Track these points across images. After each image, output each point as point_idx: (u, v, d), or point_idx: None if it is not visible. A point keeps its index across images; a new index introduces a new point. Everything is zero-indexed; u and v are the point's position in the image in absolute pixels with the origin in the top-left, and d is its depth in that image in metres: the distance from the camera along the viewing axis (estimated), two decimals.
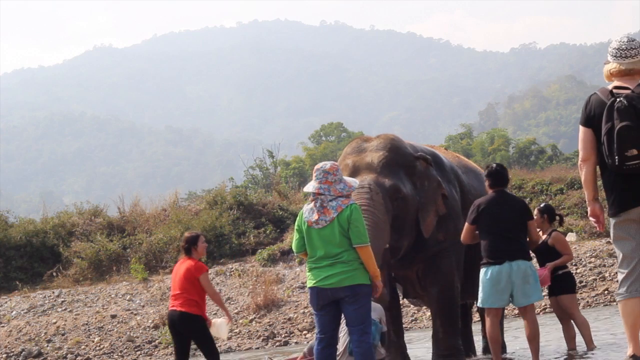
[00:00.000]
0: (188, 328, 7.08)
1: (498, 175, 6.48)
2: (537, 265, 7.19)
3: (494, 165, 6.59)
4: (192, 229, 17.31)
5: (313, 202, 5.40)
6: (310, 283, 5.40)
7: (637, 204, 4.73)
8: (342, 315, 5.45)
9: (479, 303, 6.44)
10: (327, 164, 5.46)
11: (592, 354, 6.98)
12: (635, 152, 4.65)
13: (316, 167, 5.50)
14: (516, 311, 13.11)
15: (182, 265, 7.22)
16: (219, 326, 7.21)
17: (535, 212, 7.31)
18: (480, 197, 7.73)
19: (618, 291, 4.85)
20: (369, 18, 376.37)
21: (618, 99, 4.71)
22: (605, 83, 5.02)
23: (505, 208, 6.33)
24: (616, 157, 4.68)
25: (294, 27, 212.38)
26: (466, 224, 6.54)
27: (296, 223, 5.49)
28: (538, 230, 7.03)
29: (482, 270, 6.35)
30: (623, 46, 4.85)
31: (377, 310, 5.95)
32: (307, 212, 5.41)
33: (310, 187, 5.44)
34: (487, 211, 6.36)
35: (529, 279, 6.26)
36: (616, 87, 4.81)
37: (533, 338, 6.31)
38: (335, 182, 5.39)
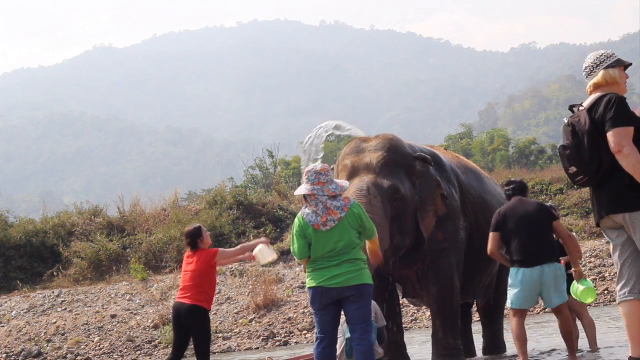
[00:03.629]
0: (195, 321, 6.88)
1: (521, 186, 6.69)
2: None
3: (516, 179, 6.84)
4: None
5: (312, 206, 5.36)
6: (313, 283, 5.37)
7: (604, 214, 4.83)
8: (342, 316, 5.48)
9: (509, 304, 6.47)
10: (317, 166, 5.47)
11: (595, 354, 7.00)
12: (574, 169, 4.82)
13: (307, 169, 5.49)
14: None
15: (194, 257, 6.96)
16: (261, 251, 6.66)
17: None
18: (480, 197, 7.77)
19: (619, 292, 4.87)
20: (369, 18, 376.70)
21: (564, 119, 4.94)
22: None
23: (529, 210, 6.46)
24: (567, 175, 4.93)
25: (294, 27, 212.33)
26: (491, 233, 6.54)
27: (295, 230, 5.41)
28: None
29: (514, 271, 6.39)
30: (583, 66, 5.01)
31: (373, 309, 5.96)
32: (310, 216, 5.36)
33: (303, 189, 5.41)
34: (513, 215, 6.45)
35: (559, 281, 6.36)
36: (573, 105, 4.98)
37: (568, 335, 6.44)
38: (328, 182, 5.39)
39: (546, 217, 6.43)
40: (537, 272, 6.29)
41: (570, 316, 7.30)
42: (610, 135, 4.66)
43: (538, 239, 6.33)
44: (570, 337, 6.45)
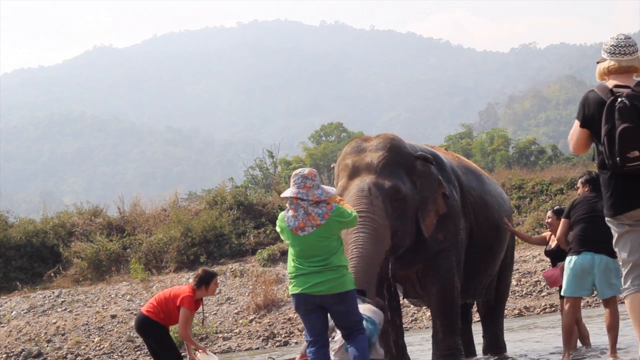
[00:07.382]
0: (146, 332, 6.99)
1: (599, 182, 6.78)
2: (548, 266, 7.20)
3: (594, 173, 6.78)
4: (193, 231, 17.33)
5: (293, 210, 5.37)
6: (296, 290, 5.37)
7: (633, 207, 4.68)
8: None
9: (562, 292, 6.67)
10: (305, 170, 5.47)
11: (602, 353, 7.01)
12: (637, 153, 4.57)
13: (294, 172, 5.50)
14: (516, 311, 13.14)
15: (178, 286, 7.19)
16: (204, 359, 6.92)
17: (549, 213, 7.59)
18: (480, 197, 7.77)
19: (624, 286, 4.83)
20: (369, 18, 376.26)
21: (619, 99, 4.58)
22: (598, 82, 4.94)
23: (601, 203, 6.52)
24: (617, 159, 4.59)
25: (294, 27, 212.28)
26: (562, 219, 6.78)
27: (278, 229, 5.49)
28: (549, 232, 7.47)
29: (567, 259, 6.58)
30: (622, 43, 4.75)
31: (377, 314, 5.91)
32: (289, 219, 5.37)
33: (289, 192, 5.40)
34: (583, 203, 6.63)
35: (610, 274, 6.43)
36: (616, 86, 4.70)
37: (612, 328, 6.49)
38: (314, 187, 5.38)
39: None
40: (588, 258, 6.43)
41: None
42: None
43: (601, 231, 6.32)
44: (614, 331, 6.50)
